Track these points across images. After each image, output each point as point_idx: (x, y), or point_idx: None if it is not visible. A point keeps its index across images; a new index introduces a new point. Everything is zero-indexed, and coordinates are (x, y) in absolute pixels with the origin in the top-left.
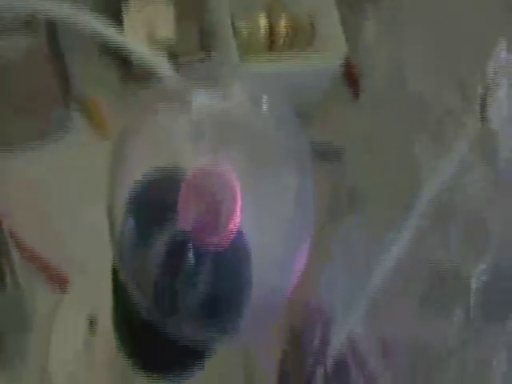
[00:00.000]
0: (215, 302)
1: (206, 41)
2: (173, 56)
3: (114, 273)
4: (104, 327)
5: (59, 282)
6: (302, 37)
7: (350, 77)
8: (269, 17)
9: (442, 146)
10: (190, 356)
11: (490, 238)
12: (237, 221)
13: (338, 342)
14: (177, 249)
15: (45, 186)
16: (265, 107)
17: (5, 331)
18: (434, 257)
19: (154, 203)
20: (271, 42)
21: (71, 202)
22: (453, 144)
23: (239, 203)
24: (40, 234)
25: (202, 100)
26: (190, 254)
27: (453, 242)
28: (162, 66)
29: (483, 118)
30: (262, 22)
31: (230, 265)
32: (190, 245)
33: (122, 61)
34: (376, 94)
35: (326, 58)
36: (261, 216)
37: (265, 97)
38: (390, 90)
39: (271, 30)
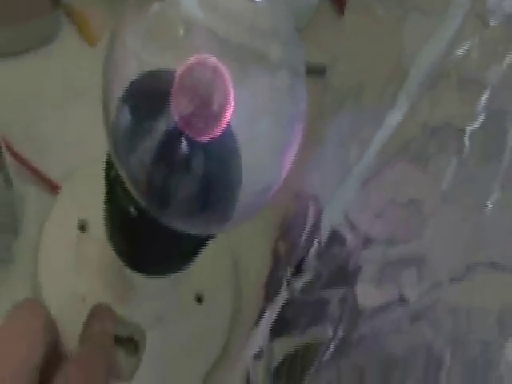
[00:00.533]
0: (207, 192)
1: None
2: None
3: (108, 168)
4: (95, 232)
5: (51, 186)
6: None
7: None
8: None
9: (432, 20)
10: (183, 250)
11: (486, 91)
12: (229, 113)
13: (330, 221)
14: (170, 139)
15: (33, 91)
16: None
17: None
18: (424, 122)
19: (148, 95)
20: None
21: (59, 105)
22: (443, 16)
23: (231, 95)
24: (29, 141)
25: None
26: (183, 145)
27: (445, 102)
28: None
29: None
30: None
31: (222, 155)
32: (183, 135)
33: None
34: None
35: None
36: (252, 109)
37: None
38: None
39: None
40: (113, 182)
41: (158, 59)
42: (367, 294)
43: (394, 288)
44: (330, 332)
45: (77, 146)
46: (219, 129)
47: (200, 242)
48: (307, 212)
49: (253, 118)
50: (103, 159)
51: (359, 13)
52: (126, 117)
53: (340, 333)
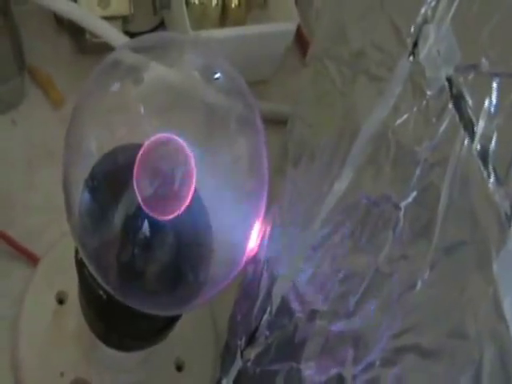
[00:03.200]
0: (177, 270)
1: (159, 15)
2: (127, 30)
3: (76, 251)
4: (74, 304)
5: (29, 259)
6: (255, 8)
7: (302, 44)
8: None
9: (377, 87)
10: (157, 325)
11: (419, 167)
12: (192, 190)
13: (281, 291)
14: (135, 221)
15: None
16: (217, 76)
17: None
18: (368, 190)
19: (110, 178)
20: (224, 15)
21: (25, 168)
22: (387, 84)
23: (194, 172)
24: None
25: (154, 71)
26: (149, 226)
27: (384, 173)
28: (117, 38)
29: (414, 55)
30: None
31: (190, 233)
32: (148, 216)
33: (76, 34)
34: (321, 54)
35: (279, 27)
36: (216, 184)
37: (217, 66)
38: (334, 49)
39: (224, 2)
40: (80, 263)
41: (121, 137)
42: (310, 370)
43: (334, 366)
44: None
45: (45, 209)
46: (182, 207)
47: (173, 318)
48: (261, 275)
49: (218, 192)
50: None
51: (315, 70)
52: (88, 201)
53: None
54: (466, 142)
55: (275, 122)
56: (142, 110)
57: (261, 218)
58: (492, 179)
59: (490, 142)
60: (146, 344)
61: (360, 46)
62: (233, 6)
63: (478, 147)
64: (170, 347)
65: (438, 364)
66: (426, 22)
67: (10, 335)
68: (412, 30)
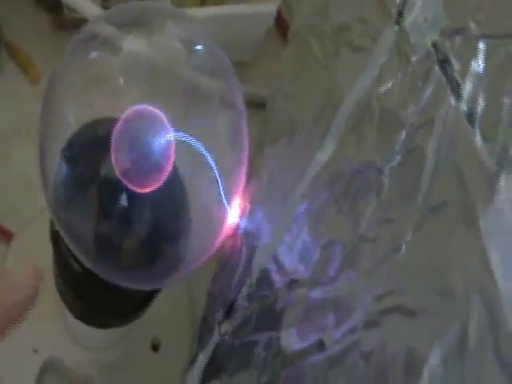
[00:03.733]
0: (155, 244)
1: None
2: (106, 6)
3: (51, 222)
4: (48, 281)
5: (5, 236)
6: None
7: (282, 28)
8: None
9: (361, 57)
10: (133, 302)
11: (404, 130)
12: (171, 163)
13: (261, 263)
14: (112, 194)
15: None
16: (197, 48)
17: None
18: (351, 158)
19: (87, 148)
20: None
21: (2, 148)
22: (371, 54)
23: (173, 145)
24: None
25: (131, 44)
26: (126, 199)
27: (368, 140)
28: (95, 13)
29: (399, 23)
30: None
31: (168, 207)
32: (126, 189)
33: (54, 9)
34: (303, 30)
35: (259, 8)
36: (195, 159)
37: (198, 39)
38: (317, 25)
39: None
40: (56, 237)
41: (98, 109)
42: (290, 338)
43: (315, 332)
44: (254, 378)
45: (20, 186)
46: (161, 180)
47: (150, 294)
48: (241, 249)
49: (197, 164)
50: None
51: (297, 48)
52: (64, 172)
53: (263, 378)
54: (452, 103)
55: (254, 105)
56: (121, 82)
57: (240, 194)
58: (478, 138)
59: (477, 102)
60: (122, 321)
61: (343, 21)
62: None
63: (465, 108)
64: (146, 327)
65: (423, 322)
66: None
67: None
68: (398, 0)
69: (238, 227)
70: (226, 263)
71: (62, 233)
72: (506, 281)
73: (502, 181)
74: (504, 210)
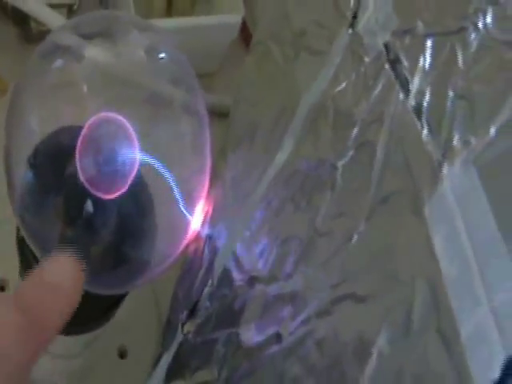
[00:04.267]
0: (121, 249)
1: (104, 4)
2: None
3: (18, 229)
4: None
5: None
6: (201, 2)
7: (246, 38)
8: None
9: (317, 60)
10: (99, 308)
11: (356, 127)
12: (135, 169)
13: (222, 262)
14: (77, 200)
15: None
16: (161, 57)
17: None
18: (307, 157)
19: (52, 157)
20: (170, 8)
21: None
22: (327, 56)
23: (137, 151)
24: None
25: (94, 52)
26: (91, 205)
27: (323, 138)
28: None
29: (353, 26)
30: None
31: (133, 212)
32: (91, 195)
33: (21, 22)
34: (264, 38)
35: (224, 19)
36: (159, 163)
37: (161, 47)
38: (278, 32)
39: None
40: (22, 244)
41: (62, 118)
42: (249, 332)
43: (272, 326)
44: (215, 373)
45: None
46: (125, 186)
47: (116, 298)
48: (203, 253)
49: (161, 169)
50: None
51: (258, 55)
52: (31, 180)
53: (224, 373)
54: (401, 98)
55: (218, 114)
56: (84, 90)
57: (203, 198)
58: (426, 131)
59: (424, 96)
60: (89, 327)
61: (302, 26)
62: (180, 5)
63: (413, 103)
64: (112, 334)
65: (372, 307)
66: None
67: None
68: (352, 3)
69: (200, 231)
70: (189, 266)
71: (27, 239)
72: (447, 263)
73: (445, 170)
74: (446, 197)
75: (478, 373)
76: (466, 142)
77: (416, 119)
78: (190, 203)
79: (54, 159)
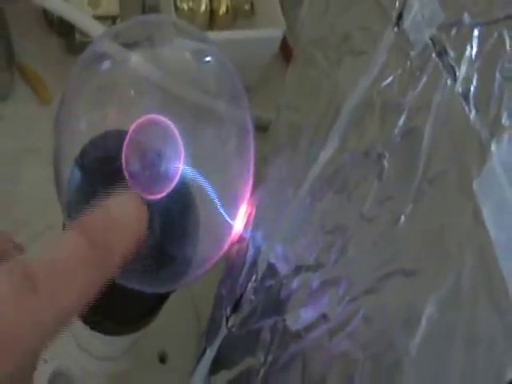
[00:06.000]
0: (165, 251)
1: None
2: None
3: (63, 227)
4: None
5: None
6: (242, 16)
7: (287, 53)
8: None
9: (362, 61)
10: (141, 309)
11: (403, 115)
12: (179, 170)
13: (266, 258)
14: None
15: None
16: (207, 60)
17: None
18: (352, 151)
19: (99, 158)
20: (212, 22)
21: (12, 163)
22: (371, 56)
23: (182, 154)
24: None
25: (138, 58)
26: None
27: (369, 133)
28: None
29: (399, 25)
30: (204, 0)
31: (177, 214)
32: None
33: (66, 34)
34: (307, 46)
35: (265, 33)
36: (203, 167)
37: (207, 50)
38: (321, 39)
39: (212, 9)
40: None
41: (109, 120)
42: (295, 318)
43: (319, 309)
44: (261, 358)
45: (30, 202)
46: (170, 187)
47: (157, 301)
48: (247, 251)
49: (204, 173)
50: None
51: (301, 63)
52: (78, 179)
53: (270, 357)
54: (448, 84)
55: (259, 129)
56: (128, 94)
57: (246, 202)
58: (473, 113)
59: (471, 82)
60: (130, 328)
61: (346, 31)
62: (220, 12)
63: (460, 89)
64: (153, 339)
65: (420, 279)
66: None
67: None
68: (397, 4)
69: (243, 233)
70: (231, 266)
71: None
72: (497, 231)
73: (493, 147)
74: (495, 170)
75: None
76: None
77: (464, 103)
78: (234, 206)
79: (101, 160)
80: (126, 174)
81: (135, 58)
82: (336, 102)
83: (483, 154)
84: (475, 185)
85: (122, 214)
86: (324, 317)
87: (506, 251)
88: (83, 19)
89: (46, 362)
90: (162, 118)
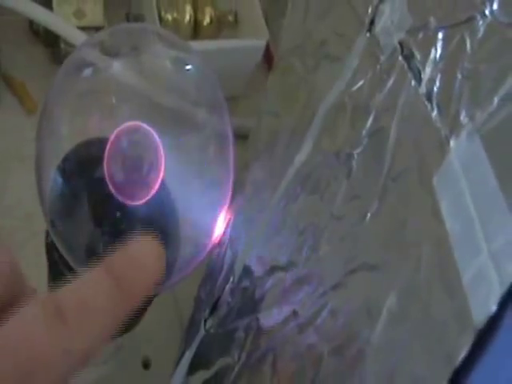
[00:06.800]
0: None
1: None
2: None
3: (46, 234)
4: None
5: None
6: (227, 26)
7: (270, 62)
8: (194, 8)
9: (337, 66)
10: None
11: (371, 116)
12: (160, 177)
13: (243, 260)
14: (105, 206)
15: None
16: (187, 68)
17: None
18: (324, 152)
19: (81, 165)
20: (196, 32)
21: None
22: (346, 61)
23: (163, 159)
24: None
25: (120, 65)
26: (118, 211)
27: (341, 135)
28: None
29: (370, 30)
30: (188, 10)
31: (158, 219)
32: (118, 202)
33: (51, 44)
34: (287, 54)
35: (248, 43)
36: (183, 172)
37: (187, 61)
38: (300, 47)
39: (196, 19)
40: (50, 248)
41: (91, 127)
42: (269, 316)
43: (290, 306)
44: (235, 357)
45: (16, 211)
46: (151, 193)
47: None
48: (225, 254)
49: (185, 179)
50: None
51: (281, 70)
52: (60, 186)
53: (243, 356)
54: (413, 86)
55: (242, 137)
56: (110, 101)
57: (226, 207)
58: (435, 112)
59: (435, 83)
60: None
61: (323, 37)
62: (205, 23)
63: (424, 90)
64: (137, 345)
65: (381, 272)
66: (382, 1)
67: None
68: (370, 10)
69: (222, 237)
70: (211, 269)
71: (57, 243)
72: (452, 222)
73: (452, 143)
74: (452, 165)
75: (476, 310)
76: (471, 116)
77: (427, 103)
78: (214, 211)
79: (83, 167)
80: (107, 180)
81: (117, 66)
82: (311, 107)
83: (443, 150)
84: (435, 180)
85: (143, 255)
86: (294, 313)
87: (461, 242)
88: (68, 30)
89: None
90: (142, 125)
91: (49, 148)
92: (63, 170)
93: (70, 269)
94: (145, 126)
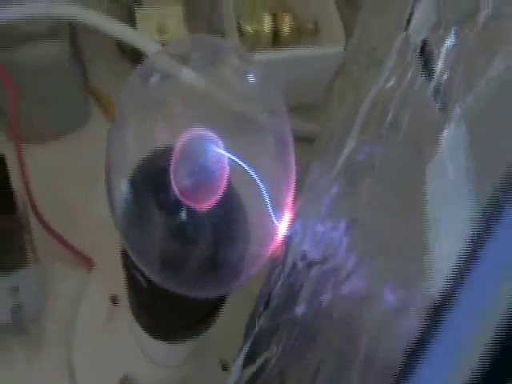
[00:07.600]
0: (218, 258)
1: None
2: None
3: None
4: (125, 305)
5: (85, 263)
6: (307, 36)
7: None
8: (274, 18)
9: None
10: (200, 313)
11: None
12: (225, 181)
13: (292, 257)
14: (173, 213)
15: (66, 170)
16: (252, 80)
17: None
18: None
19: (150, 175)
20: (276, 43)
21: (88, 183)
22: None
23: (226, 166)
24: (61, 219)
25: (190, 75)
26: (186, 216)
27: (372, 131)
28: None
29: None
30: (267, 21)
31: (228, 221)
32: (186, 207)
33: (137, 60)
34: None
35: (328, 50)
36: (247, 175)
37: (250, 68)
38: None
39: (276, 30)
40: (124, 255)
41: (158, 136)
42: (301, 307)
43: (319, 296)
44: (274, 350)
45: (103, 219)
46: (218, 197)
47: (213, 306)
48: (282, 254)
49: (250, 180)
50: None
51: (342, 78)
52: (130, 196)
53: (280, 348)
54: (422, 82)
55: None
56: (178, 110)
57: (289, 207)
58: (438, 106)
59: (443, 78)
60: (191, 332)
61: (377, 41)
62: (285, 33)
63: (434, 85)
64: (214, 347)
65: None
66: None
67: (67, 334)
68: (408, 10)
69: (284, 236)
70: (271, 267)
71: (129, 251)
72: (433, 209)
73: (445, 132)
74: (443, 155)
75: None
76: (461, 104)
77: (432, 99)
78: (278, 211)
79: (152, 177)
80: (175, 188)
81: (187, 74)
82: (357, 106)
83: (437, 141)
84: (427, 168)
85: None
86: (319, 303)
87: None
88: (150, 46)
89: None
90: (206, 132)
91: (119, 159)
92: (134, 181)
93: (142, 274)
94: (208, 131)
